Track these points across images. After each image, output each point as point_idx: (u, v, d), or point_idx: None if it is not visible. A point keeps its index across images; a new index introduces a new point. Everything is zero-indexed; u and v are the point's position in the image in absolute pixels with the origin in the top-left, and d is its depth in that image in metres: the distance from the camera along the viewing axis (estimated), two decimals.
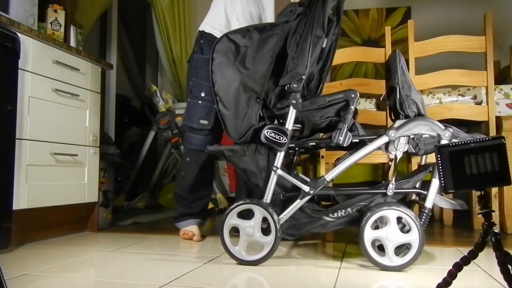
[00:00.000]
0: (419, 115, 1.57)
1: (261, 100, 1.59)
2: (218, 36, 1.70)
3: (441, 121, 2.32)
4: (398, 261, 1.45)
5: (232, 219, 1.58)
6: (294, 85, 1.52)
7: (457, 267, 0.91)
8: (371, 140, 1.54)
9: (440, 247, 1.96)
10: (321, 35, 1.52)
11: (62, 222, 2.21)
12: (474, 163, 0.85)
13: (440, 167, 0.87)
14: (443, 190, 0.88)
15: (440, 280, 0.94)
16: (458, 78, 2.29)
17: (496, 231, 0.86)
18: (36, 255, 1.73)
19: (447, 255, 1.78)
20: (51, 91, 2.06)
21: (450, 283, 0.93)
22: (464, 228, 2.56)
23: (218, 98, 1.60)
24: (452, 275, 0.92)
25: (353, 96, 1.53)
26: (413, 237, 1.44)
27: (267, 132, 1.54)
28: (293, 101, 1.54)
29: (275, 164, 1.56)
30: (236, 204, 1.58)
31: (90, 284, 1.37)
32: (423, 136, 1.50)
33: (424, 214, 1.48)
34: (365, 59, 2.66)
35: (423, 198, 1.53)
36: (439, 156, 0.88)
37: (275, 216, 1.52)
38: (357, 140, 1.56)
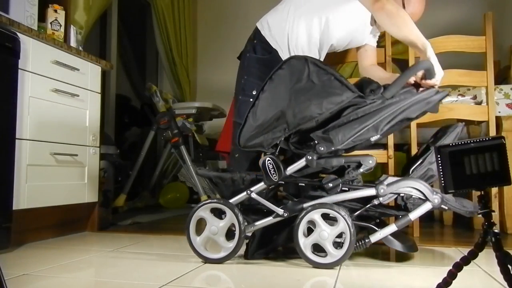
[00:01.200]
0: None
1: (287, 133, 1.53)
2: (271, 43, 1.75)
3: (441, 121, 2.33)
4: (337, 253, 1.47)
5: (201, 212, 1.61)
6: (321, 148, 1.48)
7: (457, 267, 0.91)
8: (358, 188, 1.55)
9: (440, 247, 1.96)
10: (375, 135, 1.46)
11: (62, 222, 2.21)
12: (474, 163, 0.85)
13: (440, 167, 0.87)
14: (443, 190, 0.88)
15: (440, 280, 0.94)
16: (458, 78, 2.28)
17: (496, 231, 0.86)
18: (36, 255, 1.73)
19: (447, 255, 1.78)
20: (51, 91, 2.06)
21: (450, 283, 0.93)
22: (464, 228, 2.56)
23: (256, 104, 1.54)
24: (452, 275, 0.92)
25: (370, 162, 1.52)
26: (342, 226, 1.46)
27: (267, 160, 1.53)
28: (308, 157, 1.51)
29: (251, 188, 1.58)
30: (206, 202, 1.62)
31: (90, 284, 1.37)
32: (413, 196, 1.51)
33: (363, 242, 1.49)
34: None
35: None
36: (439, 156, 0.88)
37: (236, 210, 1.56)
38: (346, 189, 1.56)
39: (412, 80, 1.62)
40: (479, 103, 2.38)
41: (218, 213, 1.63)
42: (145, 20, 4.55)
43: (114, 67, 3.61)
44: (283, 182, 1.63)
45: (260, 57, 1.90)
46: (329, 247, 1.48)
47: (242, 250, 1.64)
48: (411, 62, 2.35)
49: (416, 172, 1.59)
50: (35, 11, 2.12)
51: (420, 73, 1.59)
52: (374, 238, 1.51)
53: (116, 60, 3.84)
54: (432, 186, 1.52)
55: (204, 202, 1.63)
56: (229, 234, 1.60)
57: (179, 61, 4.30)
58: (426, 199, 1.48)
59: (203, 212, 1.62)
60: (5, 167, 1.78)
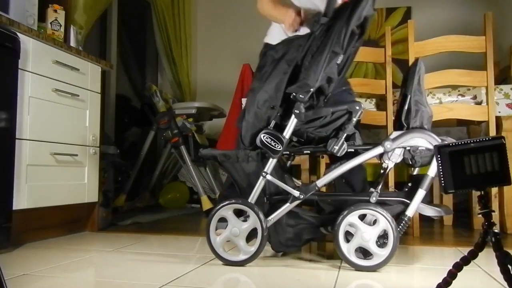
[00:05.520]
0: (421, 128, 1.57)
1: (277, 108, 1.57)
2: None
3: (441, 121, 2.33)
4: (384, 252, 1.44)
5: (223, 212, 1.57)
6: (301, 95, 1.50)
7: (457, 267, 0.91)
8: (365, 150, 1.54)
9: (440, 247, 1.96)
10: (339, 52, 1.48)
11: (62, 222, 2.21)
12: (474, 163, 0.85)
13: (440, 167, 0.87)
14: (443, 190, 0.88)
15: (440, 280, 0.94)
16: (458, 78, 2.29)
17: (496, 231, 0.86)
18: (36, 255, 1.73)
19: (447, 255, 1.78)
20: (51, 91, 2.06)
21: (450, 283, 0.93)
22: (464, 228, 2.56)
23: (245, 109, 1.63)
24: (452, 275, 0.92)
25: (357, 108, 1.52)
26: (383, 224, 1.44)
27: (263, 136, 1.53)
28: (296, 111, 1.52)
29: (265, 169, 1.55)
30: (227, 202, 1.57)
31: (90, 284, 1.37)
32: (419, 148, 1.50)
33: (403, 222, 1.48)
34: (365, 59, 2.65)
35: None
36: (439, 156, 0.88)
37: (264, 221, 1.51)
38: (352, 150, 1.56)
39: None
40: (479, 103, 2.38)
41: (239, 213, 1.59)
42: (145, 20, 4.55)
43: (114, 67, 3.61)
44: (288, 153, 1.66)
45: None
46: (373, 248, 1.45)
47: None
48: (411, 62, 2.35)
49: (413, 122, 1.58)
50: (35, 11, 2.12)
51: None
52: (410, 211, 1.48)
53: (116, 60, 3.84)
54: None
55: (227, 202, 1.58)
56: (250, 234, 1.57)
57: (179, 61, 4.30)
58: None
59: (225, 212, 1.57)
60: (5, 167, 1.78)
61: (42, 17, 2.23)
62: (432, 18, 4.07)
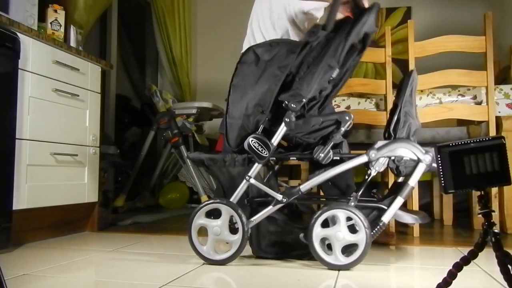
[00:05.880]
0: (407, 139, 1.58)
1: (266, 112, 1.57)
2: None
3: (441, 121, 2.33)
4: (344, 260, 1.46)
5: (200, 219, 1.59)
6: (292, 105, 1.50)
7: (457, 267, 0.91)
8: (350, 158, 1.55)
9: (440, 247, 1.96)
10: (334, 66, 1.49)
11: (62, 222, 2.21)
12: (474, 163, 0.85)
13: (440, 167, 0.87)
14: (443, 190, 0.88)
15: (440, 280, 0.94)
16: (458, 78, 2.29)
17: (496, 231, 0.86)
18: (36, 255, 1.73)
19: (447, 255, 1.78)
20: (51, 91, 2.06)
21: (450, 283, 0.93)
22: (464, 228, 2.56)
23: (228, 107, 1.62)
24: (452, 275, 0.92)
25: (347, 118, 1.54)
26: (360, 237, 1.44)
27: (251, 140, 1.54)
28: (286, 119, 1.52)
29: (249, 173, 1.56)
30: (204, 204, 1.60)
31: (90, 284, 1.37)
32: (404, 158, 1.51)
33: (378, 227, 1.49)
34: (365, 59, 2.64)
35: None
36: (439, 156, 0.87)
37: (243, 215, 1.54)
38: (337, 158, 1.57)
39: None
40: (479, 103, 2.38)
41: (210, 214, 1.61)
42: (145, 20, 4.55)
43: (114, 67, 3.61)
44: (275, 158, 1.66)
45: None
46: (337, 250, 1.46)
47: (244, 251, 1.64)
48: (411, 62, 2.36)
49: (400, 132, 1.60)
50: (35, 11, 2.12)
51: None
52: (386, 217, 1.50)
53: (116, 60, 3.84)
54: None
55: (198, 208, 1.60)
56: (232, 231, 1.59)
57: (179, 61, 4.30)
58: (418, 160, 1.49)
59: (200, 219, 1.59)
60: (5, 167, 1.78)
61: (42, 17, 2.23)
62: (432, 18, 4.07)
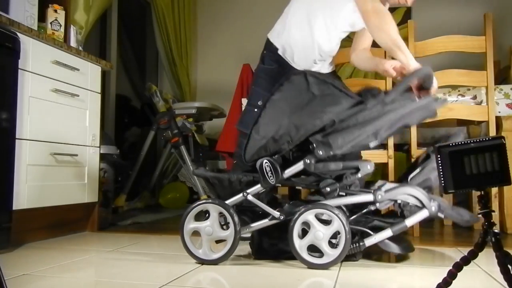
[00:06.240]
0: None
1: (292, 145, 1.52)
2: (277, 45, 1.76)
3: (441, 121, 2.33)
4: (334, 253, 1.46)
5: (190, 224, 1.59)
6: (319, 152, 1.46)
7: (457, 267, 0.91)
8: (356, 194, 1.55)
9: (440, 247, 1.96)
10: (372, 140, 1.45)
11: (62, 222, 2.21)
12: (474, 163, 0.85)
13: (440, 167, 0.87)
14: (443, 190, 0.88)
15: (440, 280, 0.94)
16: (458, 78, 2.29)
17: (496, 231, 0.86)
18: (36, 255, 1.73)
19: (447, 255, 1.78)
20: (51, 91, 2.06)
21: (450, 283, 0.93)
22: (464, 228, 2.56)
23: (258, 121, 1.57)
24: (452, 275, 0.92)
25: (368, 168, 1.52)
26: (336, 225, 1.45)
27: (265, 162, 1.52)
28: (306, 160, 1.50)
29: (248, 191, 1.56)
30: (191, 207, 1.59)
31: (90, 284, 1.37)
32: (410, 203, 1.51)
33: (357, 245, 1.49)
34: None
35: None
36: (439, 156, 0.87)
37: (235, 215, 1.53)
38: (343, 194, 1.56)
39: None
40: (479, 103, 2.38)
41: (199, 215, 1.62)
42: (145, 20, 4.55)
43: (114, 67, 3.61)
44: (279, 185, 1.63)
45: (267, 67, 1.94)
46: (325, 247, 1.47)
47: (240, 251, 1.65)
48: None
49: (414, 180, 1.59)
50: (35, 11, 2.12)
51: (415, 81, 1.59)
52: (369, 242, 1.50)
53: (116, 60, 3.84)
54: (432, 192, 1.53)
55: (186, 213, 1.59)
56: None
57: (179, 61, 4.30)
58: (423, 207, 1.49)
59: (190, 224, 1.59)
60: (5, 167, 1.78)
61: (42, 17, 2.23)
62: (432, 18, 4.07)
